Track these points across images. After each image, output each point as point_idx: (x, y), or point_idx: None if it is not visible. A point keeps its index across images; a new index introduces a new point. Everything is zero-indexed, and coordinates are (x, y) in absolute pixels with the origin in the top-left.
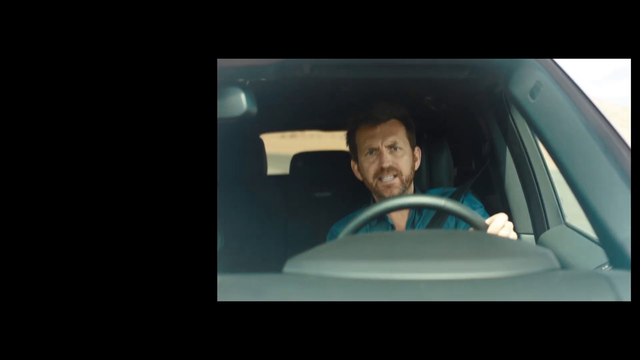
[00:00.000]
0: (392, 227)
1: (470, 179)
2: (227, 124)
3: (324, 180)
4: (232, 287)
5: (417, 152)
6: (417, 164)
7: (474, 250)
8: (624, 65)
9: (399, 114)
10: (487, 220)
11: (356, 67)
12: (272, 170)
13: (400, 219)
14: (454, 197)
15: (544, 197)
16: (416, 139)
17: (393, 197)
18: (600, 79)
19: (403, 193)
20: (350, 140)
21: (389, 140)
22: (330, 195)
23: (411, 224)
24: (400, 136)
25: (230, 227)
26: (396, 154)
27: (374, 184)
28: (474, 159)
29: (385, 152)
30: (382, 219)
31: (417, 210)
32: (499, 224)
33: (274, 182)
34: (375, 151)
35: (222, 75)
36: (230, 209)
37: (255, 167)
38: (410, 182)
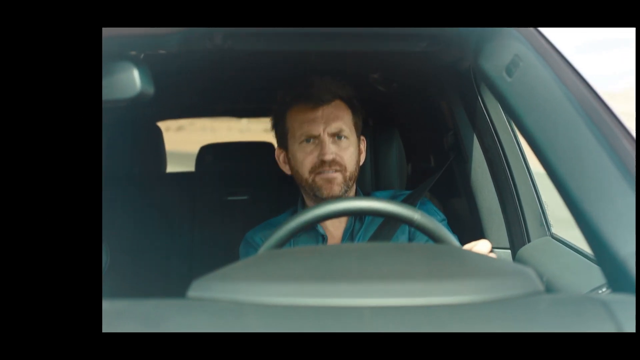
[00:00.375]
0: (324, 238)
1: (429, 179)
2: (116, 108)
3: (239, 179)
4: (121, 315)
5: (363, 144)
6: (362, 158)
7: (434, 268)
8: (594, 36)
9: (344, 94)
10: (467, 247)
11: (281, 38)
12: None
13: (335, 228)
14: (407, 203)
15: (523, 202)
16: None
17: (343, 198)
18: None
19: (345, 194)
20: (278, 123)
21: (334, 127)
22: (248, 198)
23: (349, 234)
24: (346, 122)
25: (118, 238)
26: (340, 145)
27: (309, 180)
28: (433, 153)
29: (328, 141)
30: (310, 227)
31: (357, 217)
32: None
33: (176, 182)
34: (314, 139)
35: (109, 47)
36: (118, 215)
37: (152, 162)
38: (354, 181)
